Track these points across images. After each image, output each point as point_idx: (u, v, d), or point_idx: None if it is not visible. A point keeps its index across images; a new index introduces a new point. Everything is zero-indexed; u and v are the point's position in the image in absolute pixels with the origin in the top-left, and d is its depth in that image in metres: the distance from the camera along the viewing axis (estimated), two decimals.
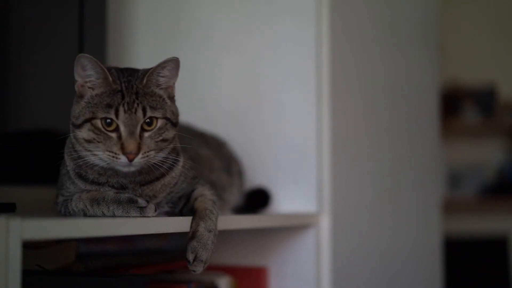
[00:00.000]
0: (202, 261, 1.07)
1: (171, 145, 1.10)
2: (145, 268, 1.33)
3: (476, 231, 3.76)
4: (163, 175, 1.11)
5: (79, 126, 1.05)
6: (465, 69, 3.92)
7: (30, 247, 1.09)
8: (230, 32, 1.65)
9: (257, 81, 1.62)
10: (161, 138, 1.06)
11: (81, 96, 1.06)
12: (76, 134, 1.05)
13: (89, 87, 1.06)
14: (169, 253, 1.44)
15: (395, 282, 1.87)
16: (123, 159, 1.03)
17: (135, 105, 1.04)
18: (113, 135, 1.03)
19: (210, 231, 1.08)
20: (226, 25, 1.66)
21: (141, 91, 1.06)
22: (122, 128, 1.03)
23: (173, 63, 1.09)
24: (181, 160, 1.15)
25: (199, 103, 1.67)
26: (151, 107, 1.05)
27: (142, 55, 1.73)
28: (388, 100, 1.88)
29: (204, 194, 1.15)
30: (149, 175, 1.10)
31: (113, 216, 1.04)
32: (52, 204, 1.15)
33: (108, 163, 1.05)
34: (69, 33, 1.38)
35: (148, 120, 1.05)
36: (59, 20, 1.40)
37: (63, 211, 1.10)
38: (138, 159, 1.03)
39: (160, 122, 1.06)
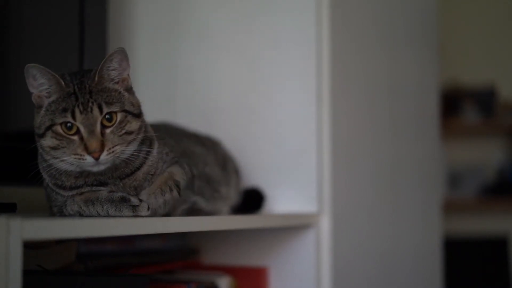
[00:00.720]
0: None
1: (140, 136, 1.09)
2: (145, 268, 1.33)
3: (476, 231, 3.77)
4: (142, 165, 1.11)
5: (43, 135, 1.05)
6: (465, 69, 3.92)
7: (30, 247, 1.09)
8: (230, 32, 1.65)
9: (257, 81, 1.62)
10: (124, 131, 1.06)
11: (40, 107, 1.07)
12: (41, 144, 1.06)
13: (45, 96, 1.06)
14: (169, 253, 1.44)
15: (395, 282, 1.87)
16: (89, 159, 1.03)
17: (90, 104, 1.04)
18: (75, 137, 1.04)
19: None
20: (226, 25, 1.66)
21: (94, 89, 1.06)
22: (81, 129, 1.03)
23: (119, 54, 1.08)
24: (155, 147, 1.14)
25: (199, 103, 1.67)
26: (106, 103, 1.05)
27: (142, 55, 1.73)
28: (388, 100, 1.88)
29: (172, 172, 1.14)
30: (127, 168, 1.09)
31: (107, 215, 1.04)
32: (49, 213, 1.16)
33: (78, 166, 1.05)
34: (70, 33, 1.38)
35: (107, 116, 1.05)
36: (60, 20, 1.40)
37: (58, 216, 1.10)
38: (104, 156, 1.03)
39: (119, 116, 1.06)
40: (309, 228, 1.54)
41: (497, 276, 3.67)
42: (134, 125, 1.07)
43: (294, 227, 1.53)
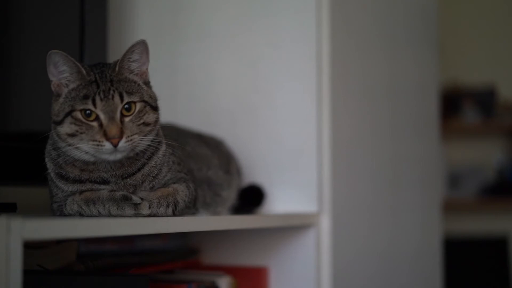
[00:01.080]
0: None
1: (155, 130, 1.10)
2: (145, 268, 1.33)
3: (476, 231, 3.77)
4: (143, 165, 1.11)
5: (61, 122, 1.06)
6: (465, 70, 3.92)
7: (31, 247, 1.10)
8: (230, 32, 1.65)
9: (257, 81, 1.62)
10: (142, 121, 1.07)
11: (59, 95, 1.07)
12: (58, 131, 1.06)
13: (65, 84, 1.07)
14: (169, 253, 1.44)
15: (395, 282, 1.87)
16: (107, 145, 1.03)
17: (111, 92, 1.05)
18: (95, 124, 1.04)
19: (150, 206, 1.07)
20: (226, 25, 1.66)
21: (115, 79, 1.07)
22: (101, 116, 1.04)
23: (141, 45, 1.09)
24: (162, 149, 1.14)
25: (199, 103, 1.67)
26: (127, 92, 1.06)
27: None
28: (388, 100, 1.89)
29: (177, 190, 1.14)
30: (130, 167, 1.10)
31: (109, 214, 1.04)
32: (50, 210, 1.16)
33: (93, 155, 1.05)
34: (70, 33, 1.39)
35: (126, 105, 1.06)
36: (60, 20, 1.40)
37: (58, 215, 1.10)
38: (123, 143, 1.04)
39: (138, 106, 1.07)
40: (309, 228, 1.54)
41: (497, 276, 3.67)
42: (151, 117, 1.08)
43: (294, 227, 1.53)
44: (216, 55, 1.67)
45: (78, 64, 1.06)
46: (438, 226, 2.16)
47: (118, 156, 1.06)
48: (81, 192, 1.08)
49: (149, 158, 1.12)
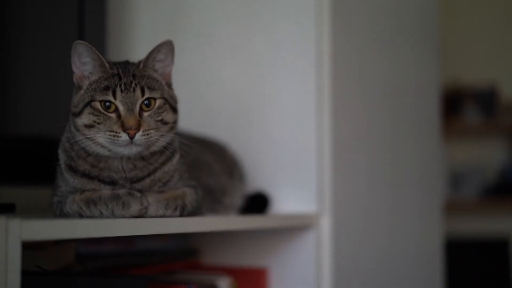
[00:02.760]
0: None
1: (172, 133, 1.10)
2: (145, 268, 1.33)
3: (477, 232, 3.76)
4: (155, 171, 1.11)
5: (79, 113, 1.05)
6: (466, 69, 3.92)
7: (29, 248, 1.09)
8: (230, 32, 1.65)
9: (257, 82, 1.62)
10: (160, 118, 1.07)
11: (80, 87, 1.08)
12: (76, 123, 1.05)
13: (87, 76, 1.07)
14: (169, 253, 1.44)
15: (396, 283, 1.87)
16: (124, 136, 1.03)
17: (133, 85, 1.05)
18: (113, 115, 1.04)
19: (159, 208, 1.07)
20: (226, 25, 1.66)
21: (138, 74, 1.07)
22: (120, 107, 1.04)
23: (167, 46, 1.10)
24: (177, 157, 1.14)
25: (198, 104, 1.67)
26: (149, 88, 1.06)
27: (142, 55, 1.72)
28: (389, 101, 1.88)
29: (185, 193, 1.14)
30: (142, 171, 1.09)
31: (112, 214, 1.03)
32: (50, 207, 1.15)
33: (109, 148, 1.04)
34: (69, 33, 1.38)
35: (146, 101, 1.06)
36: (59, 20, 1.40)
37: (58, 213, 1.10)
38: (139, 136, 1.03)
39: (158, 102, 1.07)
40: (310, 229, 1.53)
41: (498, 277, 3.66)
42: (170, 116, 1.08)
43: (294, 228, 1.53)
44: (216, 55, 1.67)
45: (102, 57, 1.07)
46: (439, 227, 2.15)
47: (133, 150, 1.05)
48: (82, 191, 1.08)
49: (163, 164, 1.11)
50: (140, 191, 1.09)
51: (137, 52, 1.73)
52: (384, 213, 1.82)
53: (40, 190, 1.20)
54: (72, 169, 1.09)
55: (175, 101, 1.12)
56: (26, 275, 0.87)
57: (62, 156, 1.10)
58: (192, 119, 1.62)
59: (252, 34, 1.63)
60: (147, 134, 1.04)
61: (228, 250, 1.59)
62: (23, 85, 1.33)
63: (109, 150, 1.05)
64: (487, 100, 3.79)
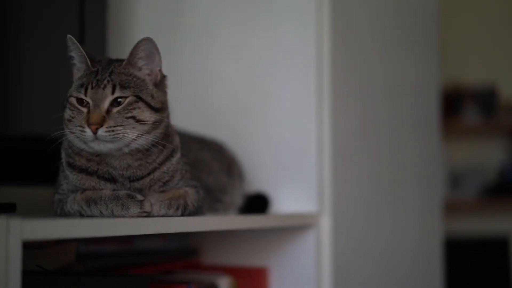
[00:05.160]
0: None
1: (157, 132, 1.08)
2: (145, 268, 1.33)
3: (476, 231, 3.76)
4: (154, 170, 1.11)
5: (64, 107, 1.08)
6: (466, 70, 3.92)
7: (30, 247, 1.09)
8: (230, 32, 1.65)
9: (257, 82, 1.62)
10: (131, 115, 1.05)
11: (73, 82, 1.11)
12: (63, 117, 1.08)
13: (75, 72, 1.10)
14: (169, 253, 1.44)
15: (396, 283, 1.87)
16: (88, 132, 1.03)
17: (105, 82, 1.06)
18: (85, 110, 1.05)
19: (161, 208, 1.08)
20: (226, 25, 1.66)
21: (116, 71, 1.07)
22: (90, 103, 1.05)
23: (146, 43, 1.09)
24: (176, 156, 1.14)
25: (199, 104, 1.67)
26: (121, 86, 1.06)
27: None
28: (389, 101, 1.88)
29: (187, 193, 1.14)
30: (139, 170, 1.09)
31: (112, 214, 1.04)
32: (51, 205, 1.15)
33: (81, 140, 1.05)
34: (69, 33, 1.38)
35: (120, 99, 1.05)
36: (60, 20, 1.40)
37: (58, 212, 1.10)
38: (102, 132, 1.03)
39: (128, 99, 1.06)
40: (310, 228, 1.53)
41: (498, 277, 3.66)
42: (146, 115, 1.07)
43: (294, 227, 1.53)
44: (216, 55, 1.67)
45: (85, 53, 1.08)
46: (438, 227, 2.15)
47: (102, 146, 1.05)
48: (83, 191, 1.08)
49: (161, 164, 1.11)
50: (140, 190, 1.09)
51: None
52: (384, 212, 1.82)
53: (41, 190, 1.20)
54: (71, 166, 1.10)
55: (159, 102, 1.09)
56: (27, 274, 0.87)
57: (63, 154, 1.12)
58: (192, 119, 1.62)
59: (252, 34, 1.63)
60: (112, 131, 1.04)
61: (228, 250, 1.59)
62: (23, 85, 1.33)
63: (85, 144, 1.06)
64: (487, 100, 3.79)
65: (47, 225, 0.85)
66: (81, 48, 1.08)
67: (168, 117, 1.12)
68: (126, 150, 1.07)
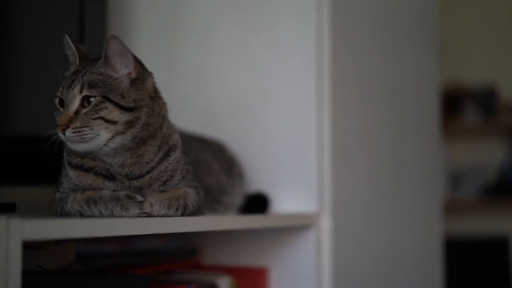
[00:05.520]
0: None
1: (134, 131, 1.06)
2: (145, 268, 1.33)
3: (476, 231, 3.76)
4: (152, 169, 1.10)
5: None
6: (466, 69, 3.92)
7: (30, 247, 1.09)
8: (230, 32, 1.65)
9: (257, 82, 1.62)
10: (98, 116, 1.04)
11: None
12: None
13: (69, 69, 1.11)
14: (169, 253, 1.44)
15: (396, 283, 1.87)
16: (60, 133, 1.05)
17: (76, 82, 1.06)
18: (62, 110, 1.07)
19: (161, 208, 1.08)
20: (226, 25, 1.66)
21: (90, 70, 1.07)
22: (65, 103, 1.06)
23: (112, 41, 1.07)
24: (173, 156, 1.13)
25: (199, 103, 1.67)
26: (90, 85, 1.06)
27: (142, 55, 1.72)
28: (389, 101, 1.88)
29: (187, 193, 1.14)
30: (137, 169, 1.09)
31: (111, 215, 1.04)
32: (51, 205, 1.16)
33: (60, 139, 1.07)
34: (70, 33, 1.38)
35: (91, 98, 1.05)
36: (60, 20, 1.40)
37: (59, 211, 1.10)
38: (69, 133, 1.04)
39: (96, 100, 1.05)
40: (309, 228, 1.53)
41: (498, 277, 3.66)
42: (115, 115, 1.05)
43: (294, 227, 1.53)
44: (216, 55, 1.67)
45: (76, 52, 1.10)
46: (438, 227, 2.15)
47: (75, 146, 1.05)
48: (83, 191, 1.08)
49: (159, 163, 1.11)
50: (140, 189, 1.09)
51: (137, 52, 1.73)
52: (384, 212, 1.82)
53: (41, 190, 1.20)
54: (70, 163, 1.11)
55: (130, 100, 1.07)
56: (27, 274, 0.87)
57: (64, 152, 1.12)
58: (192, 119, 1.62)
59: (252, 34, 1.63)
60: (79, 132, 1.04)
61: (228, 250, 1.59)
62: (23, 85, 1.33)
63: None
64: (486, 100, 3.79)
65: (47, 225, 0.85)
66: (73, 47, 1.09)
67: (150, 115, 1.09)
68: (107, 149, 1.07)
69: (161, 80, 1.68)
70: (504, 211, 3.82)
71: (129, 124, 1.06)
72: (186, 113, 1.64)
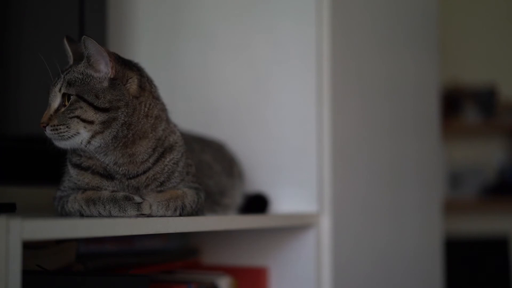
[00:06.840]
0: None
1: (112, 131, 1.06)
2: (145, 268, 1.33)
3: (476, 231, 3.76)
4: (148, 169, 1.11)
5: None
6: (466, 69, 3.92)
7: (30, 247, 1.09)
8: (231, 32, 1.65)
9: (257, 82, 1.62)
10: (74, 115, 1.05)
11: None
12: None
13: None
14: (169, 253, 1.44)
15: (396, 283, 1.87)
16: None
17: (58, 80, 1.08)
18: None
19: (159, 208, 1.08)
20: (226, 25, 1.66)
21: (72, 69, 1.08)
22: None
23: (85, 41, 1.07)
24: (169, 157, 1.13)
25: (199, 103, 1.67)
26: (69, 84, 1.06)
27: (142, 55, 1.73)
28: (389, 100, 1.88)
29: (186, 194, 1.14)
30: (132, 167, 1.09)
31: (110, 215, 1.04)
32: (52, 203, 1.16)
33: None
34: (70, 32, 1.38)
35: (72, 96, 1.06)
36: (60, 20, 1.40)
37: (59, 210, 1.11)
38: (48, 131, 1.05)
39: (71, 99, 1.06)
40: (310, 228, 1.53)
41: (498, 276, 3.66)
42: (90, 115, 1.05)
43: (294, 227, 1.53)
44: (216, 55, 1.67)
45: (71, 54, 1.11)
46: (438, 226, 2.15)
47: (58, 143, 1.07)
48: (84, 191, 1.08)
49: (155, 163, 1.11)
50: (138, 188, 1.09)
51: (137, 52, 1.73)
52: (383, 212, 1.82)
53: (41, 190, 1.20)
54: (70, 161, 1.12)
55: (105, 101, 1.06)
56: (27, 274, 0.87)
57: (68, 153, 1.13)
58: (192, 119, 1.62)
59: (253, 34, 1.63)
60: (56, 129, 1.05)
61: (228, 250, 1.59)
62: (23, 85, 1.33)
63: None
64: (486, 100, 3.79)
65: (47, 225, 0.85)
66: (69, 49, 1.11)
67: (131, 115, 1.08)
68: (91, 147, 1.06)
69: (161, 80, 1.69)
70: (504, 211, 3.82)
71: (106, 124, 1.06)
72: (186, 113, 1.64)
